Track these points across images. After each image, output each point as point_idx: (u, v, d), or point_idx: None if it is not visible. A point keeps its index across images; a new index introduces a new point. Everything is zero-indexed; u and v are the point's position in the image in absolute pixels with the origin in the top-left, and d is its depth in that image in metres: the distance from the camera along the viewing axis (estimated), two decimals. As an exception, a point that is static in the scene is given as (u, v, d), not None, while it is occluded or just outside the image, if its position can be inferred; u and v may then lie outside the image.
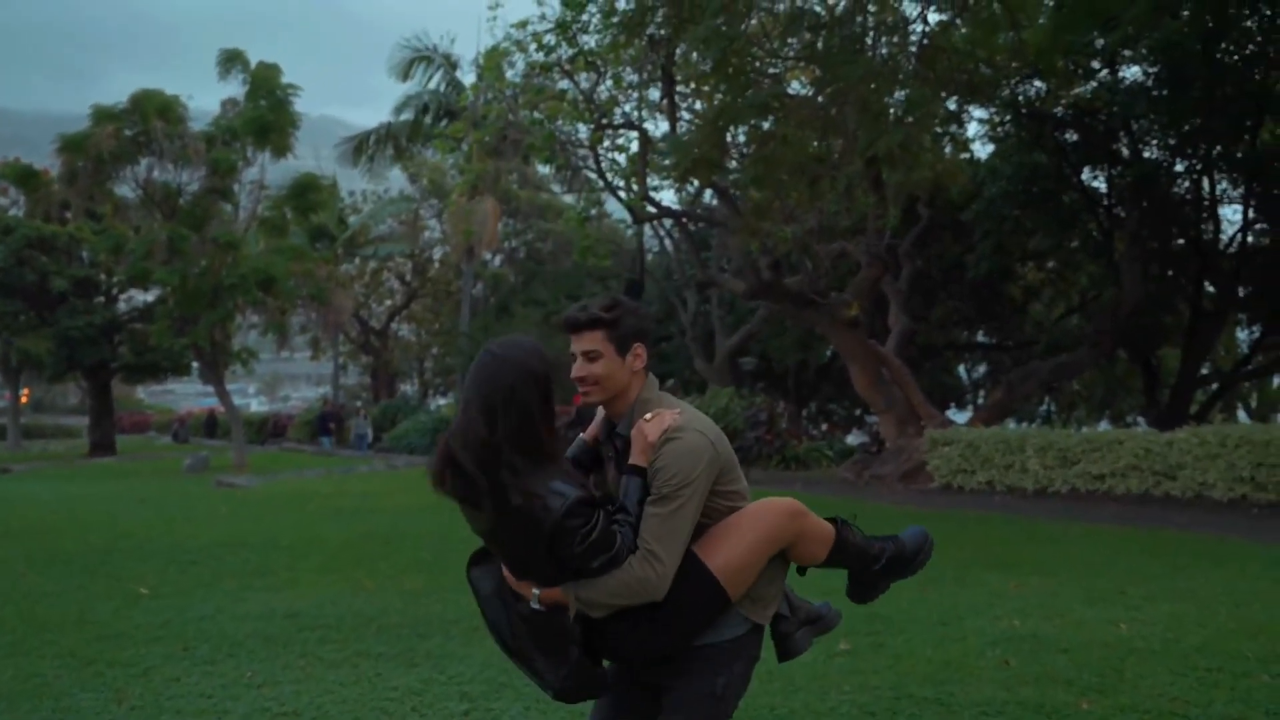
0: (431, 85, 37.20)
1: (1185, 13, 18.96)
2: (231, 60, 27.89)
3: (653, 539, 2.95)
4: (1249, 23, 19.30)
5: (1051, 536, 12.26)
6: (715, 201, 26.33)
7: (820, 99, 17.55)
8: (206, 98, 29.05)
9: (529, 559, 3.00)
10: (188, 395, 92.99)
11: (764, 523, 3.14)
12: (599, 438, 3.32)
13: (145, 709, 6.05)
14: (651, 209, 22.16)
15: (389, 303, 49.72)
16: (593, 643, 3.12)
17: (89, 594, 9.58)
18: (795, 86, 19.65)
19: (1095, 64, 21.25)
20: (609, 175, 21.85)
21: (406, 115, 37.78)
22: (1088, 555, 10.71)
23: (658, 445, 3.03)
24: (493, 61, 21.50)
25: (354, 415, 37.32)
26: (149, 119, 26.66)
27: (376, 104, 74.82)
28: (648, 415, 3.10)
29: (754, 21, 17.24)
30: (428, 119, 36.68)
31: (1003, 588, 8.99)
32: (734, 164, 20.39)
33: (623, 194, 21.88)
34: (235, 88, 28.17)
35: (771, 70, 18.51)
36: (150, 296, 37.22)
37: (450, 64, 37.03)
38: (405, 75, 36.65)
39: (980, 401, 32.93)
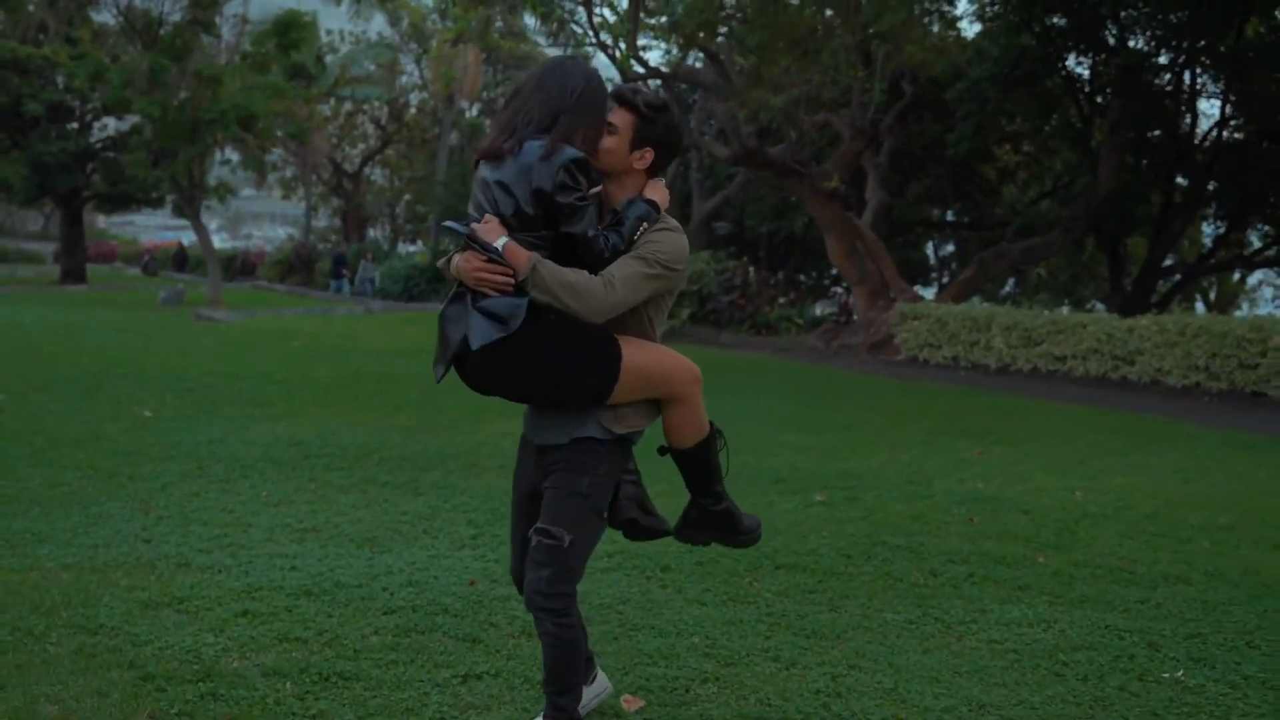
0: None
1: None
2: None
3: (618, 275, 3.23)
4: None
5: (1015, 410, 12.87)
6: (702, 66, 26.27)
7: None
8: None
9: (518, 215, 3.23)
10: (148, 227, 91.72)
11: (673, 362, 3.44)
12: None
13: (172, 519, 6.46)
14: (640, 69, 22.15)
15: (363, 146, 49.32)
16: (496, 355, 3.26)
17: (95, 414, 9.95)
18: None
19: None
20: (600, 33, 21.76)
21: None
22: (1050, 429, 11.30)
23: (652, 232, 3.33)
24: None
25: (361, 258, 36.97)
26: (132, -58, 26.20)
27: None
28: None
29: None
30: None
31: (968, 455, 9.54)
32: (732, 28, 20.35)
33: (611, 52, 21.83)
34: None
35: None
36: (125, 125, 36.69)
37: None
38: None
39: (946, 280, 33.42)
